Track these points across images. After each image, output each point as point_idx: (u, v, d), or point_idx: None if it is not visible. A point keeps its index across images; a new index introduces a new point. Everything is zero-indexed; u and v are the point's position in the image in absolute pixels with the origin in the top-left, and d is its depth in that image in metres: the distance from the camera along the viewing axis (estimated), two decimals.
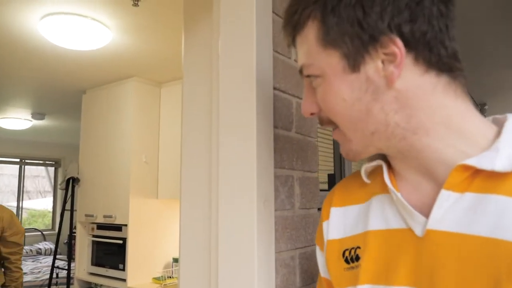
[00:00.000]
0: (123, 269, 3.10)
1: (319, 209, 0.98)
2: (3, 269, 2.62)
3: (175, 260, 3.20)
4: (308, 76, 0.62)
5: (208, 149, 0.95)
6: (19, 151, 6.39)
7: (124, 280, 3.05)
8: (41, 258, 6.01)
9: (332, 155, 1.55)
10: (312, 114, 0.65)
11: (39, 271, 5.18)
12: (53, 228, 7.02)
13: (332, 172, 1.48)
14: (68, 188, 3.49)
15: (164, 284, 2.90)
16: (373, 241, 0.61)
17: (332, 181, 1.36)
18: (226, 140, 0.88)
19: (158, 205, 3.24)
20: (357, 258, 0.63)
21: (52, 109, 4.37)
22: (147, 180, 3.17)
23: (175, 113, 3.21)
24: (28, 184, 7.09)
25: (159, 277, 3.06)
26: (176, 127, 3.19)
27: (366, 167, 0.65)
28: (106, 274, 3.22)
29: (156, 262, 3.18)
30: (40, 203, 7.35)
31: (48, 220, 7.23)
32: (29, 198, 7.23)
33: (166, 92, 3.31)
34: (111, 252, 3.22)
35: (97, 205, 3.26)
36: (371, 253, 0.61)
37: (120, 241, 3.12)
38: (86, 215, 3.32)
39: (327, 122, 0.64)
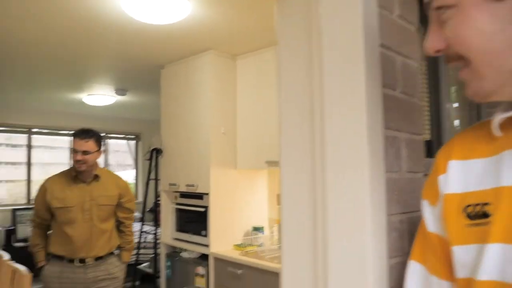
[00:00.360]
0: (205, 236, 3.24)
1: (426, 174, 0.93)
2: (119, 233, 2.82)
3: (255, 229, 3.28)
4: (439, 8, 0.57)
5: (310, 110, 0.93)
6: (103, 126, 6.82)
7: (206, 245, 3.20)
8: None
9: (428, 121, 1.46)
10: (438, 51, 0.60)
11: None
12: (136, 198, 7.52)
13: (429, 139, 1.40)
14: (152, 159, 3.69)
15: (246, 251, 2.99)
16: (509, 198, 0.57)
17: (430, 147, 1.29)
18: (332, 99, 0.86)
19: (237, 175, 3.32)
20: (485, 215, 0.60)
21: (133, 85, 4.59)
22: (226, 151, 3.25)
23: (251, 84, 3.23)
24: (110, 158, 7.58)
25: (240, 244, 3.17)
26: (252, 98, 3.22)
27: (500, 118, 0.60)
28: (189, 240, 3.39)
29: (236, 230, 3.29)
30: (122, 176, 7.87)
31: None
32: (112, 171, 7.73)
33: (241, 64, 3.33)
34: (193, 219, 3.37)
35: (179, 175, 3.41)
36: (505, 210, 0.57)
37: (202, 209, 3.25)
38: (170, 184, 3.49)
39: (455, 59, 0.59)
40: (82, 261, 2.58)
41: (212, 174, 3.13)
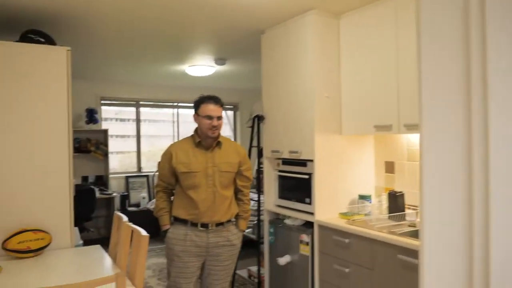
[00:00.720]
0: (309, 203, 3.17)
1: None
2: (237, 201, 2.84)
3: (362, 197, 3.13)
4: None
5: (465, 53, 0.76)
6: None
7: (311, 213, 3.13)
8: None
9: None
10: None
11: None
12: None
13: None
14: (253, 126, 3.68)
15: (352, 220, 2.87)
16: None
17: None
18: (499, 49, 0.68)
19: (342, 141, 3.17)
20: None
21: (232, 54, 4.60)
22: (330, 116, 3.11)
23: (356, 44, 3.01)
24: None
25: (346, 213, 3.05)
26: (357, 59, 3.01)
27: None
28: (292, 207, 3.35)
29: (342, 198, 3.17)
30: None
31: None
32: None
33: (345, 24, 3.12)
34: (296, 187, 3.32)
35: (282, 142, 3.36)
36: None
37: (306, 176, 3.18)
38: (272, 151, 3.46)
39: None
40: (204, 225, 2.63)
41: (316, 140, 3.02)
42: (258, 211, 3.65)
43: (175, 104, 7.12)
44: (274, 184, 3.58)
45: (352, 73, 3.07)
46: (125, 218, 2.65)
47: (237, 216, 2.81)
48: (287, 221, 3.35)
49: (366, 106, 2.95)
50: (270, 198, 3.59)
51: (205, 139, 2.63)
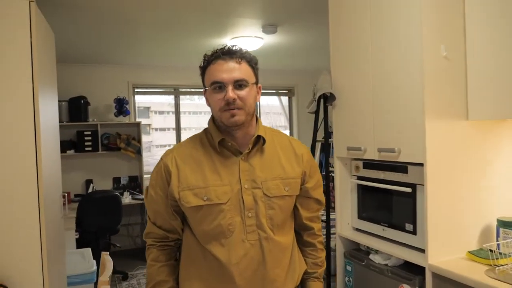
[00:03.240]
0: (413, 232, 1.96)
1: None
2: None
3: (505, 224, 1.85)
4: None
5: None
6: None
7: (417, 249, 1.93)
8: None
9: None
10: None
11: None
12: None
13: None
14: (318, 111, 2.50)
15: (498, 267, 1.62)
16: None
17: None
18: None
19: (469, 131, 1.91)
20: None
21: (287, 16, 3.44)
22: (450, 91, 1.86)
23: None
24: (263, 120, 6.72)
25: (480, 250, 1.80)
26: (492, 7, 1.73)
27: None
28: (382, 235, 2.16)
29: (471, 225, 1.91)
30: None
31: None
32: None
33: None
34: (389, 204, 2.12)
35: (366, 134, 2.15)
36: None
37: (407, 189, 1.97)
38: (349, 148, 2.26)
39: None
40: None
41: (428, 131, 1.79)
42: (328, 236, 2.48)
43: None
44: (351, 197, 2.40)
45: (486, 20, 1.79)
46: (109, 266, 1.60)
47: (304, 277, 1.48)
48: (375, 258, 2.15)
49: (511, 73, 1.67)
50: (345, 219, 2.41)
51: (230, 133, 1.32)
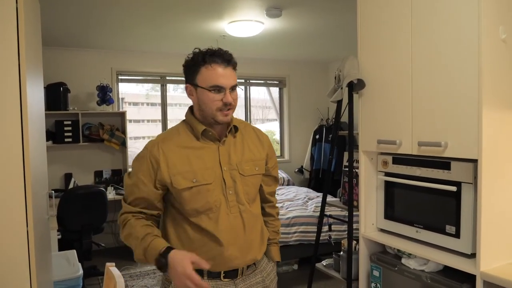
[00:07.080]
0: (456, 235, 1.76)
1: None
2: None
3: None
4: None
5: None
6: (244, 70, 5.63)
7: (458, 253, 1.74)
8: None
9: None
10: None
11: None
12: (281, 155, 6.32)
13: None
14: (342, 99, 2.27)
15: None
16: None
17: None
18: None
19: None
20: None
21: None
22: (506, 78, 1.65)
23: None
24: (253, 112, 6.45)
25: None
26: None
27: None
28: (416, 237, 1.96)
29: None
30: (264, 128, 6.70)
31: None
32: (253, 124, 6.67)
33: None
34: (426, 204, 1.92)
35: (400, 125, 1.93)
36: None
37: (451, 187, 1.76)
38: (380, 142, 2.04)
39: None
40: (231, 273, 1.55)
41: (485, 123, 1.59)
42: (349, 238, 2.25)
43: None
44: (377, 196, 2.18)
45: None
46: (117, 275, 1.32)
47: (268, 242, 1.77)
48: (409, 263, 1.94)
49: None
50: (370, 219, 2.19)
51: (211, 125, 1.54)
